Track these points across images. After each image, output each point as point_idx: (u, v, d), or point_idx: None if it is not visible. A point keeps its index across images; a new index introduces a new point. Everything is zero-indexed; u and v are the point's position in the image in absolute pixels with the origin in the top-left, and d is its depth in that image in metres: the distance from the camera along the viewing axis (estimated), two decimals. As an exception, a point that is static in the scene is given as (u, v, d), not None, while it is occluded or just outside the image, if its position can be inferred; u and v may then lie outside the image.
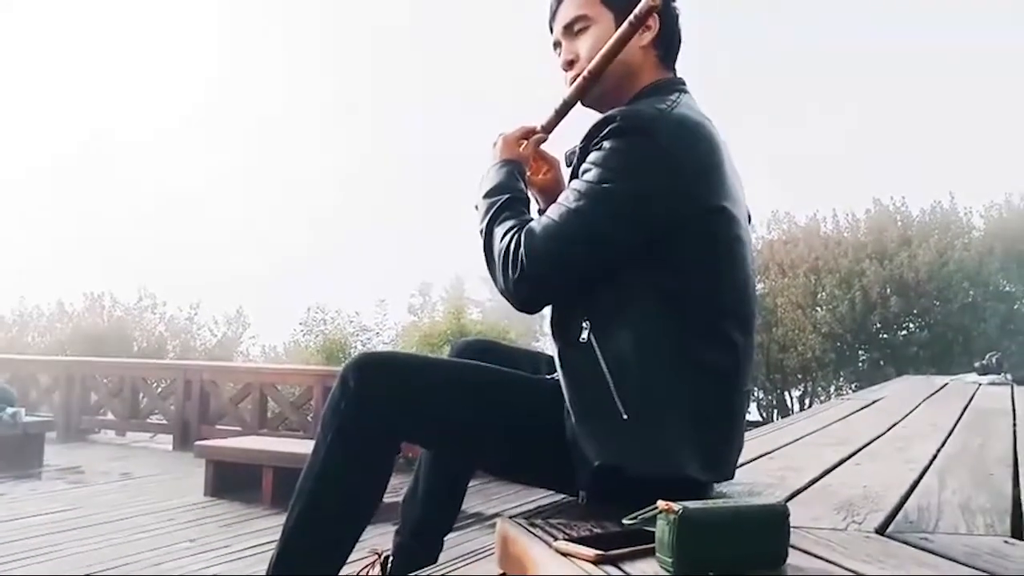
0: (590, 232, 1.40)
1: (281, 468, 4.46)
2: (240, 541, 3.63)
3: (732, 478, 1.55)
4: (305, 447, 4.47)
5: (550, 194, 1.62)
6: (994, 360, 6.21)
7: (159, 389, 7.92)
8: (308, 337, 12.38)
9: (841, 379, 12.27)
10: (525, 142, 1.64)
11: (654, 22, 1.56)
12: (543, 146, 1.69)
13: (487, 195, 1.55)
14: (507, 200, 1.52)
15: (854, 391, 9.60)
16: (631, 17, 1.49)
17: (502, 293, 1.46)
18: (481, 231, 1.52)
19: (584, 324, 1.45)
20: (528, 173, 1.65)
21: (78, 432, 7.62)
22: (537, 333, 15.15)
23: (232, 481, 4.67)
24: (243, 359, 14.95)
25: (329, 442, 1.46)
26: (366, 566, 1.86)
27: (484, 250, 1.50)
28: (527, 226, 1.44)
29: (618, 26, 1.53)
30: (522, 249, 1.40)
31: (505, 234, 1.45)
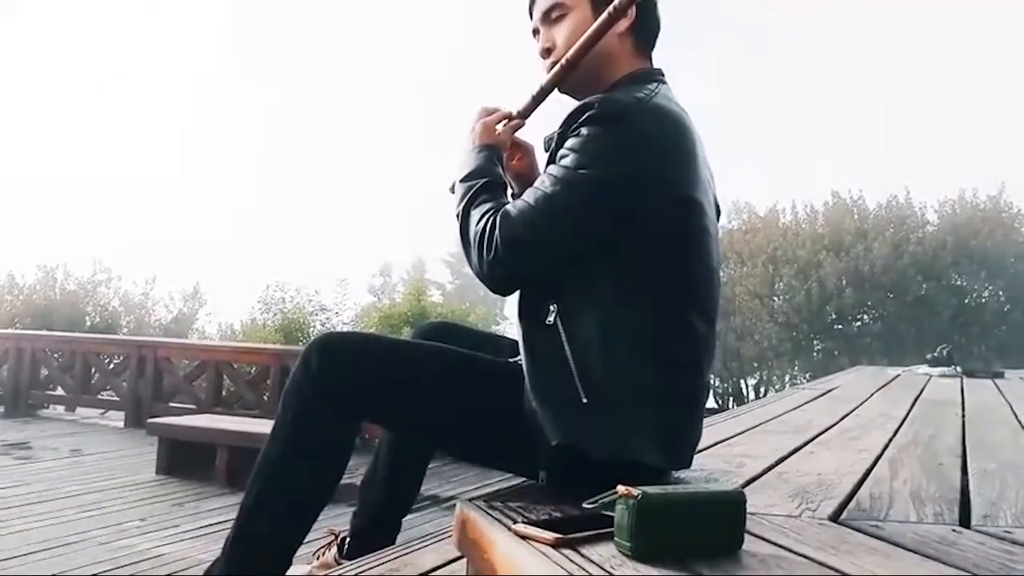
0: (565, 216, 1.40)
1: (236, 447, 4.40)
2: (191, 520, 3.58)
3: (689, 465, 1.56)
4: (260, 426, 4.48)
5: (525, 180, 1.62)
6: (945, 352, 6.36)
7: (112, 365, 7.77)
8: (266, 315, 12.23)
9: (796, 368, 12.48)
10: (502, 127, 1.63)
11: (632, 10, 1.56)
12: (519, 132, 1.69)
13: (464, 179, 1.55)
14: (484, 184, 1.51)
15: (808, 380, 9.76)
16: (611, 7, 1.49)
17: (477, 275, 1.46)
18: (457, 214, 1.52)
19: (551, 307, 1.45)
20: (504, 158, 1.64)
21: (27, 407, 7.45)
22: (497, 316, 15.17)
23: (185, 460, 4.60)
24: (199, 336, 14.74)
25: (289, 421, 1.45)
26: (323, 547, 1.85)
27: (460, 232, 1.50)
28: (503, 209, 1.43)
29: (595, 14, 1.54)
30: (497, 231, 1.40)
31: (481, 217, 1.45)
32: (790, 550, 1.07)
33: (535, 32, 1.67)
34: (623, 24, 1.56)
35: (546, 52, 1.63)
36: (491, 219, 1.43)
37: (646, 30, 1.62)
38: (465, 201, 1.51)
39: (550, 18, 1.62)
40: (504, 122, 1.64)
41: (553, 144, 1.50)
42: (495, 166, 1.57)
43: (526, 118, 1.66)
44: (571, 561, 0.95)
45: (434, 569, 1.36)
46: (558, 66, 1.57)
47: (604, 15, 1.50)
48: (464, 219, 1.49)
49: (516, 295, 1.53)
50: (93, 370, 7.60)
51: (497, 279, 1.45)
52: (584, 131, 1.43)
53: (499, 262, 1.41)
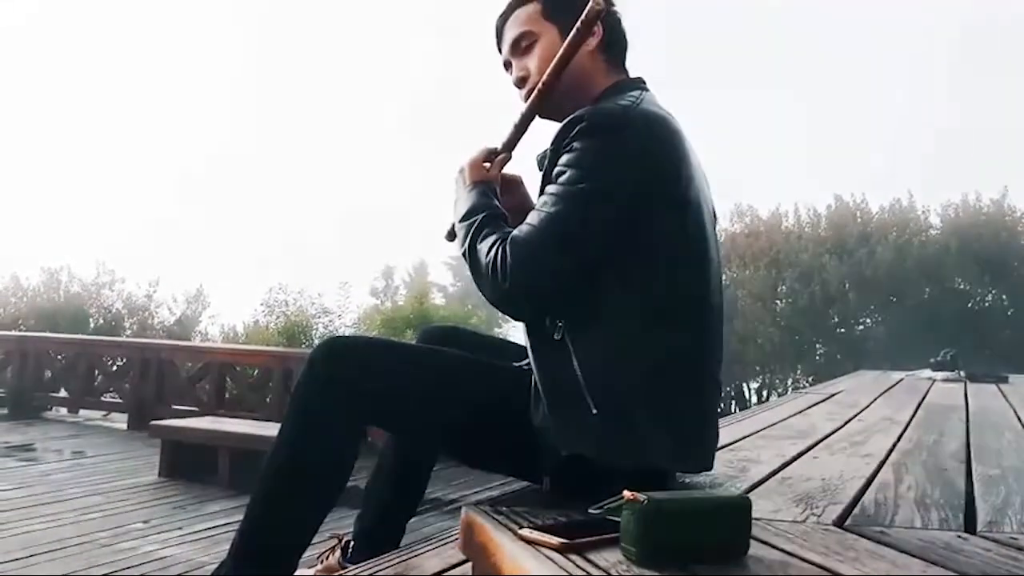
0: (572, 233, 1.41)
1: (238, 450, 4.41)
2: (194, 523, 3.59)
3: (711, 468, 1.56)
4: (263, 429, 4.48)
5: (519, 213, 1.57)
6: (948, 356, 6.32)
7: (115, 367, 7.78)
8: (269, 318, 12.23)
9: (799, 372, 12.47)
10: (490, 164, 1.63)
11: (598, 27, 1.56)
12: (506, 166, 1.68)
13: (463, 218, 1.54)
14: (484, 218, 1.51)
15: (811, 384, 9.74)
16: (578, 24, 1.49)
17: (494, 304, 1.46)
18: (464, 252, 1.52)
19: (559, 323, 1.45)
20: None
21: (30, 409, 7.44)
22: (500, 319, 15.15)
23: (188, 462, 4.60)
24: (202, 338, 14.75)
25: (295, 424, 1.45)
26: (327, 550, 1.85)
27: (470, 268, 1.50)
28: (510, 236, 1.43)
29: (563, 38, 1.54)
30: (509, 258, 1.40)
31: (490, 248, 1.44)
32: (796, 556, 1.07)
33: (507, 65, 1.68)
34: (592, 41, 1.56)
35: (521, 81, 1.63)
36: (500, 247, 1.42)
37: (615, 44, 1.63)
38: (469, 237, 1.50)
39: (520, 48, 1.63)
40: (491, 159, 1.64)
41: (547, 161, 1.50)
42: (492, 200, 1.56)
43: (511, 150, 1.66)
44: (577, 566, 0.94)
45: (438, 573, 1.36)
46: (535, 92, 1.57)
47: (573, 32, 1.50)
48: (472, 254, 1.49)
49: None
50: (96, 372, 7.61)
51: (515, 304, 1.46)
52: (577, 144, 1.43)
53: (515, 288, 1.41)
